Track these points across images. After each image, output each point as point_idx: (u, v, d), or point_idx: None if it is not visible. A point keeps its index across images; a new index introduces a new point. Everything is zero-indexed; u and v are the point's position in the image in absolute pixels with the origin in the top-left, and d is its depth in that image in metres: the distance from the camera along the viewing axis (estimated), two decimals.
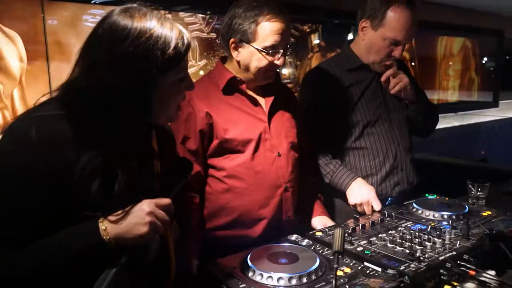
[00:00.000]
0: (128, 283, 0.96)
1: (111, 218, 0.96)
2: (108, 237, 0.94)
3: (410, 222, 1.51)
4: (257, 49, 1.50)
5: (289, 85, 3.16)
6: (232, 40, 1.53)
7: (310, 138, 1.83)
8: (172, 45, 0.97)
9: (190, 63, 2.56)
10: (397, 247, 1.30)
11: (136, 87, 0.97)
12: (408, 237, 1.35)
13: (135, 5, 1.00)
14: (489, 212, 1.61)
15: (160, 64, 0.96)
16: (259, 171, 1.57)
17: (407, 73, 1.90)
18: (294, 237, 1.41)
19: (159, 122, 1.15)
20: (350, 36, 3.58)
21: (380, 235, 1.38)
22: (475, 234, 1.39)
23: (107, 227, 0.95)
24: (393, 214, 1.58)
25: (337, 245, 0.94)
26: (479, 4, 4.57)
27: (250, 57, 1.53)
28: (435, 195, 1.82)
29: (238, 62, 1.57)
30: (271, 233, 1.50)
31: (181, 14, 2.78)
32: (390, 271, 1.13)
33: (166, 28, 0.98)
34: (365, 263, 1.22)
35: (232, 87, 1.59)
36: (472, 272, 1.19)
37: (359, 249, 1.30)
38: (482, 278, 1.20)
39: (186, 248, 1.39)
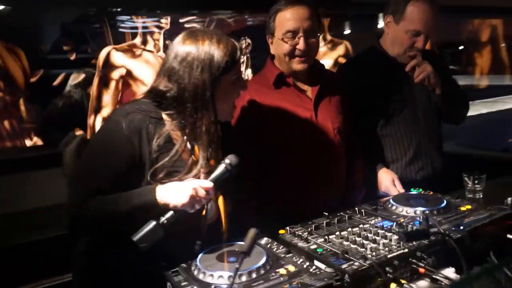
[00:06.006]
0: (160, 236, 1.20)
1: (165, 185, 1.27)
2: (159, 199, 1.24)
3: (379, 219, 1.48)
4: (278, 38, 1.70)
5: None
6: (267, 37, 1.78)
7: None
8: (227, 55, 1.34)
9: None
10: (352, 245, 1.28)
11: (204, 86, 1.31)
12: (367, 234, 1.33)
13: (197, 27, 1.34)
14: (469, 207, 1.54)
15: (219, 68, 1.32)
16: (306, 155, 1.76)
17: (436, 62, 1.98)
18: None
19: (221, 118, 1.41)
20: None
21: (339, 233, 1.37)
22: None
23: (161, 191, 1.25)
24: (364, 210, 1.55)
25: (245, 246, 0.96)
26: None
27: (277, 47, 1.73)
28: (420, 190, 1.76)
29: (274, 56, 1.79)
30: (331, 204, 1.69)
31: None
32: (327, 269, 1.13)
33: (221, 45, 1.34)
34: (314, 261, 1.22)
35: (281, 81, 1.78)
36: (422, 270, 1.16)
37: (313, 247, 1.29)
38: (436, 276, 1.17)
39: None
